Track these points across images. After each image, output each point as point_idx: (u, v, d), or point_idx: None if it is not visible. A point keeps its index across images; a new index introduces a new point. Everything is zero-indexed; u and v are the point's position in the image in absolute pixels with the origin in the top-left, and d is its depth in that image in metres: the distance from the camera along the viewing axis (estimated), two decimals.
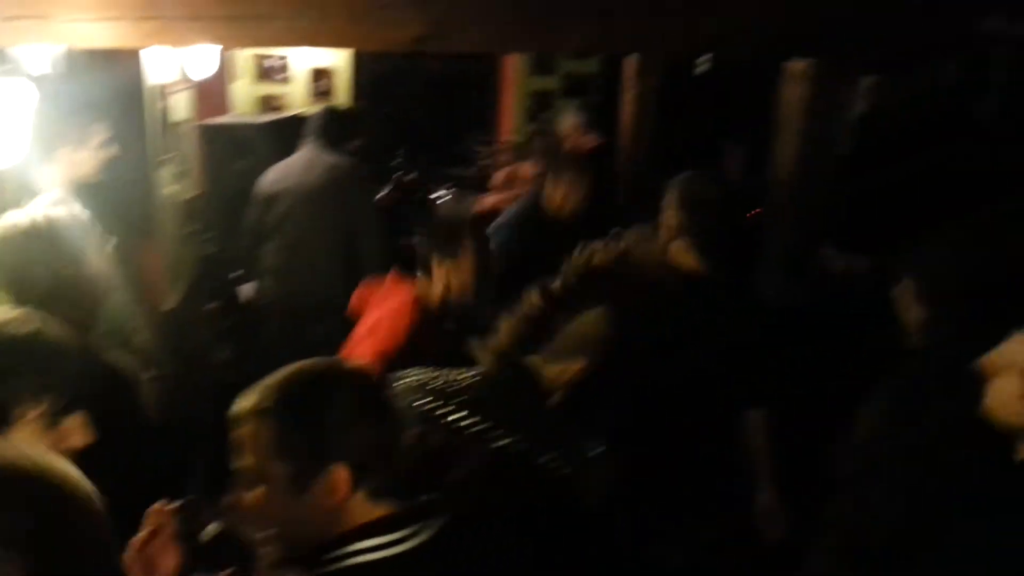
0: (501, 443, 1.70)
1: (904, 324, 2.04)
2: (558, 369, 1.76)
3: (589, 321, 1.74)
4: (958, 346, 1.93)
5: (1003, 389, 1.59)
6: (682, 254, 2.38)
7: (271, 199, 3.93)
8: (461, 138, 6.52)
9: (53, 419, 1.50)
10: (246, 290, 4.24)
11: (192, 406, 3.51)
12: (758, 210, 4.86)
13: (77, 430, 1.52)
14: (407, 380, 1.80)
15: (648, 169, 4.32)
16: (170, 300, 3.85)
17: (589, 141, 4.57)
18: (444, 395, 1.75)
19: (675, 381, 2.27)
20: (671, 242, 2.39)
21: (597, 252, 1.80)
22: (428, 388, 1.77)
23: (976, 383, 1.65)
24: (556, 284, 1.75)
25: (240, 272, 4.35)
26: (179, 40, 2.07)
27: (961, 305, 1.95)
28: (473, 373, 1.81)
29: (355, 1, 2.06)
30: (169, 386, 3.11)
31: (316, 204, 3.88)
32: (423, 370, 1.84)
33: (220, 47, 3.97)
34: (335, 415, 1.28)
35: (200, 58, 4.05)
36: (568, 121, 4.69)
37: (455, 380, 1.80)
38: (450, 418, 1.71)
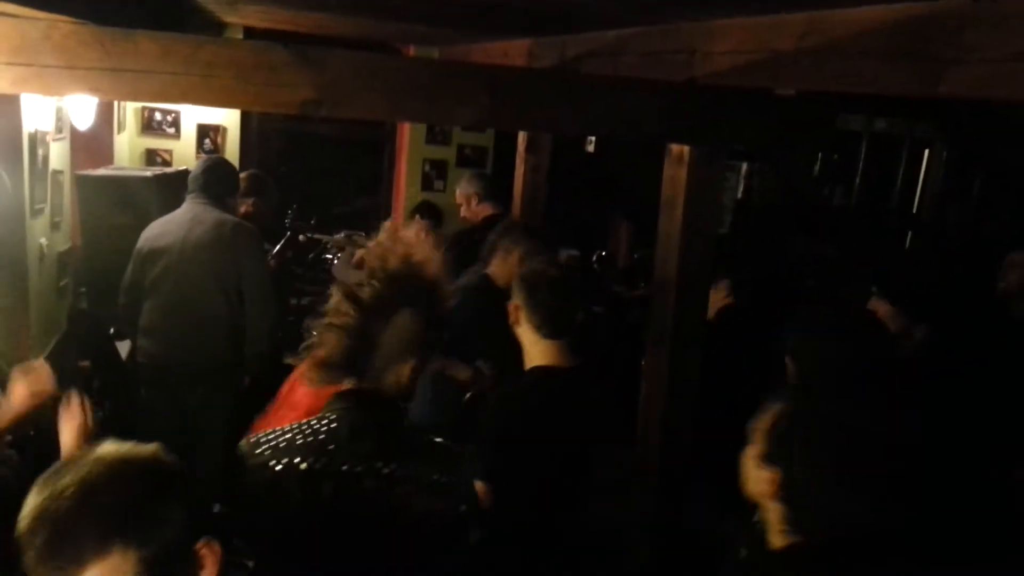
0: (389, 472, 1.75)
1: None
2: (394, 376, 1.79)
3: (403, 325, 1.77)
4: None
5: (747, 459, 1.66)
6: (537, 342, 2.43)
7: (152, 255, 3.79)
8: (353, 200, 6.54)
9: None
10: (124, 348, 4.06)
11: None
12: (643, 284, 5.01)
13: None
14: (270, 443, 1.79)
15: (541, 240, 4.40)
16: (38, 355, 3.65)
17: (484, 210, 4.64)
18: (316, 448, 1.76)
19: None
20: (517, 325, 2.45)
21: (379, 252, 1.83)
22: (298, 445, 1.77)
23: None
24: (365, 292, 1.77)
25: (115, 329, 4.16)
26: (53, 89, 2.00)
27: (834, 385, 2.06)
28: (328, 418, 1.81)
29: (243, 60, 2.04)
30: (33, 447, 2.92)
31: (200, 261, 3.76)
32: (275, 431, 1.83)
33: (97, 99, 3.85)
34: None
35: (81, 107, 3.93)
36: (464, 189, 4.75)
37: (316, 430, 1.80)
38: (330, 468, 1.74)
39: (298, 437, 1.79)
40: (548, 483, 2.36)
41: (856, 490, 1.54)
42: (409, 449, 1.81)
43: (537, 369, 2.42)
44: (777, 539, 1.63)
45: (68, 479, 1.19)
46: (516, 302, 2.43)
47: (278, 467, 1.74)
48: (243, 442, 1.81)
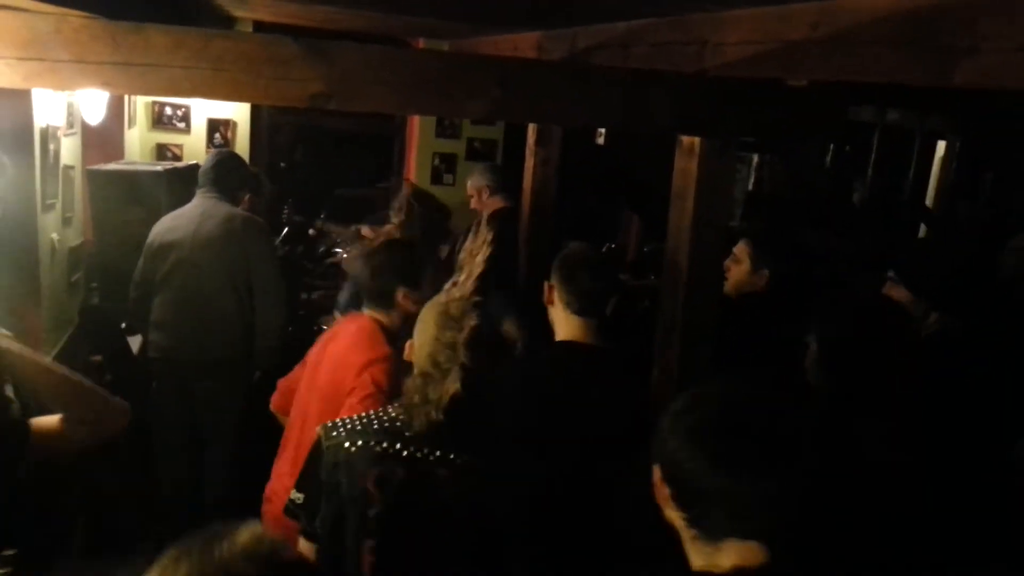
0: (462, 463, 1.82)
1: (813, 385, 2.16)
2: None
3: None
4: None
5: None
6: (570, 322, 2.46)
7: (163, 249, 3.81)
8: (363, 194, 6.55)
9: None
10: (135, 343, 4.08)
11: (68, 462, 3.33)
12: (653, 277, 5.00)
13: None
14: (346, 427, 1.87)
15: (551, 233, 4.39)
16: (51, 351, 3.67)
17: (495, 202, 4.63)
18: (393, 433, 1.84)
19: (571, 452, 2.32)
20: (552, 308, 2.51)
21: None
22: (375, 429, 1.85)
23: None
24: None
25: (127, 324, 4.18)
26: (64, 84, 2.01)
27: (856, 377, 2.05)
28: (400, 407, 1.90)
29: (253, 54, 2.03)
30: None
31: (210, 256, 3.78)
32: (350, 417, 1.91)
33: (107, 93, 3.86)
34: None
35: (92, 102, 3.93)
36: (475, 182, 4.75)
37: (392, 417, 1.88)
38: (405, 452, 1.81)
39: (374, 422, 1.87)
40: (568, 464, 2.33)
41: (747, 481, 1.32)
42: (481, 442, 1.86)
43: (562, 342, 2.48)
44: (692, 555, 1.39)
45: (188, 567, 1.02)
46: (551, 282, 2.51)
47: (353, 448, 1.81)
48: (320, 426, 1.90)
